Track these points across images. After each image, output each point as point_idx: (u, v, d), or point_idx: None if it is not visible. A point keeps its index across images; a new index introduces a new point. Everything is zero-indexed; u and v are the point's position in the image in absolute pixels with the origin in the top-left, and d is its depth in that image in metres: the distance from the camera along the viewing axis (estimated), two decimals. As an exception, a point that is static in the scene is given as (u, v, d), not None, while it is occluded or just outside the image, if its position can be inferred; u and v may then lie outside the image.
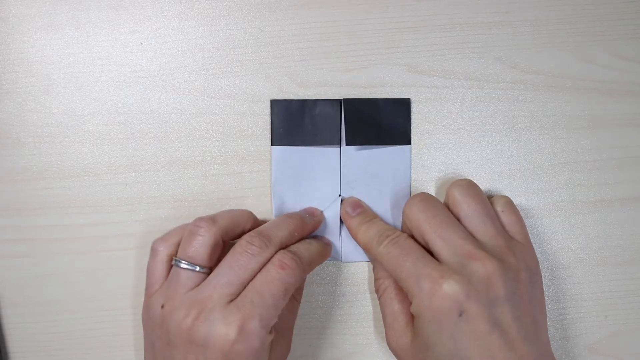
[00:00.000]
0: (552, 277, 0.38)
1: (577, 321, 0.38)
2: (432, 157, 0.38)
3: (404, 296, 0.34)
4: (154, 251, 0.34)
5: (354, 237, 0.36)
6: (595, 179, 0.38)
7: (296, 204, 0.37)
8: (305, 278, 0.37)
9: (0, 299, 0.38)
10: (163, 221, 0.38)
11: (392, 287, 0.35)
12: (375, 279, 0.36)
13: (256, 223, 0.35)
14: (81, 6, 0.37)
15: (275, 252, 0.32)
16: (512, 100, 0.37)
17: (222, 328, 0.30)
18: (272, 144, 0.37)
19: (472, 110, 0.37)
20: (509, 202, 0.35)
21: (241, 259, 0.31)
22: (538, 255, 0.38)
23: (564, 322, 0.38)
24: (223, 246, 0.34)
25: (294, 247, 0.33)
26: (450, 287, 0.30)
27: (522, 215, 0.37)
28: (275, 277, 0.31)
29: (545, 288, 0.38)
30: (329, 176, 0.37)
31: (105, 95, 0.37)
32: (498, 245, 0.32)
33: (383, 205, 0.37)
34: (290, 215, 0.35)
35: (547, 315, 0.38)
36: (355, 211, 0.36)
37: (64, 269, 0.38)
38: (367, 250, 0.35)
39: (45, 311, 0.38)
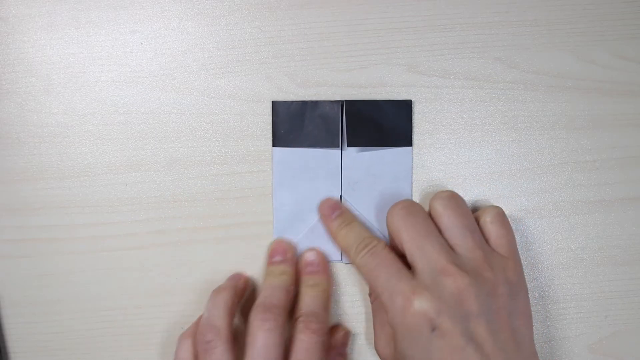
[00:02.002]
0: (552, 277, 0.38)
1: (577, 321, 0.38)
2: (432, 157, 0.38)
3: None
4: (179, 344, 0.34)
5: (334, 240, 0.36)
6: (595, 179, 0.38)
7: (297, 207, 0.37)
8: None
9: (0, 299, 0.38)
10: (163, 221, 0.38)
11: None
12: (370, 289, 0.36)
13: (246, 283, 0.37)
14: (81, 6, 0.37)
15: (285, 315, 0.33)
16: (512, 100, 0.37)
17: None
18: (273, 146, 0.37)
19: (472, 110, 0.37)
20: (499, 214, 0.35)
21: (265, 340, 0.31)
22: (539, 256, 0.38)
23: (564, 322, 0.38)
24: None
25: (306, 307, 0.34)
26: (421, 304, 0.30)
27: (522, 215, 0.37)
28: (311, 342, 0.32)
29: (545, 288, 0.38)
30: (330, 178, 0.37)
31: (105, 95, 0.37)
32: (475, 259, 0.32)
33: (384, 207, 0.37)
34: (274, 275, 0.35)
35: (548, 315, 0.38)
36: (334, 213, 0.36)
37: (64, 269, 0.38)
38: (346, 255, 0.35)
39: (45, 311, 0.38)
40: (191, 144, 0.37)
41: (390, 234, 0.35)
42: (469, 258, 0.32)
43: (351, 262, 0.35)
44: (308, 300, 0.34)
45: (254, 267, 0.38)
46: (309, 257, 0.36)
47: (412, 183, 0.37)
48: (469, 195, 0.38)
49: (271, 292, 0.34)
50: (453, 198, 0.34)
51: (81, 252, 0.38)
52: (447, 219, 0.33)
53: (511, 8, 0.37)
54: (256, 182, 0.38)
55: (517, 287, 0.33)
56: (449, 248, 0.32)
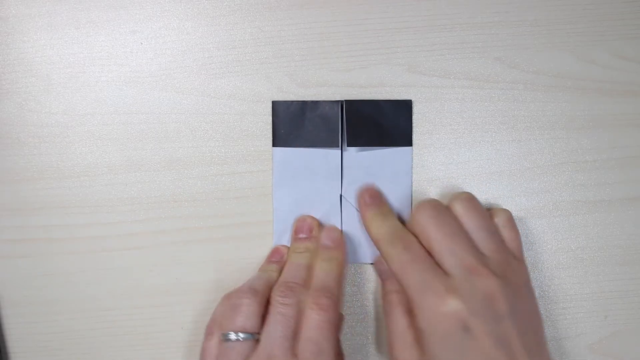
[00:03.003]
0: (552, 277, 0.38)
1: (577, 321, 0.38)
2: (432, 157, 0.38)
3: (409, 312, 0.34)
4: (210, 334, 0.34)
5: (367, 229, 0.36)
6: (595, 179, 0.38)
7: (297, 206, 0.37)
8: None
9: (0, 299, 0.38)
10: (163, 221, 0.38)
11: (402, 302, 0.34)
12: (385, 293, 0.36)
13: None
14: (81, 6, 0.37)
15: (305, 292, 0.34)
16: (512, 100, 0.37)
17: None
18: (273, 146, 0.37)
19: (472, 110, 0.37)
20: (510, 218, 0.35)
21: (283, 311, 0.32)
22: (539, 256, 0.38)
23: (564, 322, 0.38)
24: None
25: (319, 281, 0.34)
26: (454, 303, 0.30)
27: (522, 215, 0.38)
28: (319, 320, 0.32)
29: (545, 288, 0.38)
30: (330, 178, 0.37)
31: (105, 95, 0.37)
32: (500, 261, 0.32)
33: (383, 206, 0.37)
34: (298, 251, 0.36)
35: (548, 315, 0.38)
36: (373, 201, 0.36)
37: (64, 269, 0.38)
38: (376, 245, 0.35)
39: (45, 311, 0.38)
40: (191, 144, 0.37)
41: (414, 232, 0.34)
42: (494, 259, 0.32)
43: (381, 252, 0.35)
44: (321, 274, 0.35)
45: (254, 267, 0.38)
46: (327, 232, 0.37)
47: (412, 183, 0.37)
48: (469, 195, 0.38)
49: (294, 271, 0.35)
50: (472, 200, 0.34)
51: (81, 252, 0.38)
52: (469, 221, 0.33)
53: (511, 8, 0.37)
54: (256, 182, 0.38)
55: (531, 290, 0.34)
56: (477, 249, 0.33)
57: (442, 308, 0.30)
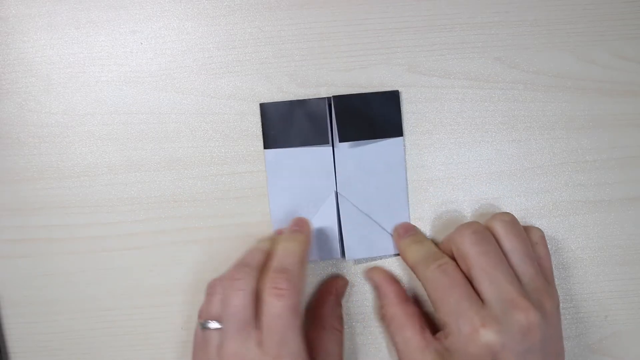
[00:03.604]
0: (552, 277, 0.38)
1: (577, 321, 0.38)
2: (432, 157, 0.38)
3: (415, 321, 0.34)
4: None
5: (403, 257, 0.36)
6: (595, 179, 0.38)
7: (293, 206, 0.37)
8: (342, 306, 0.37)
9: (0, 299, 0.38)
10: (163, 221, 0.38)
11: (399, 315, 0.34)
12: (381, 307, 0.36)
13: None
14: (81, 6, 0.37)
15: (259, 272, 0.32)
16: (512, 100, 0.37)
17: None
18: (264, 147, 0.37)
19: (472, 110, 0.37)
20: (542, 237, 0.35)
21: (235, 300, 0.31)
22: (538, 255, 0.38)
23: (564, 322, 0.38)
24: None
25: (277, 262, 0.32)
26: (488, 337, 0.30)
27: (522, 215, 0.38)
28: (279, 306, 0.30)
29: (545, 288, 0.38)
30: (324, 175, 0.37)
31: (105, 95, 0.37)
32: (537, 288, 0.32)
33: (381, 200, 0.37)
34: (287, 240, 0.34)
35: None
36: (407, 233, 0.37)
37: (64, 269, 0.38)
38: (413, 270, 0.35)
39: (45, 311, 0.38)
40: (191, 144, 0.37)
41: (450, 251, 0.34)
42: (532, 287, 0.32)
43: (418, 277, 0.35)
44: (281, 254, 0.33)
45: (254, 267, 0.38)
46: (294, 220, 0.36)
47: (406, 173, 0.37)
48: (469, 195, 0.38)
49: (251, 253, 0.34)
50: (514, 222, 0.34)
51: (81, 252, 0.38)
52: (509, 243, 0.33)
53: (511, 8, 0.37)
54: (256, 182, 0.38)
55: (559, 312, 0.34)
56: (517, 278, 0.33)
57: (475, 338, 0.31)
